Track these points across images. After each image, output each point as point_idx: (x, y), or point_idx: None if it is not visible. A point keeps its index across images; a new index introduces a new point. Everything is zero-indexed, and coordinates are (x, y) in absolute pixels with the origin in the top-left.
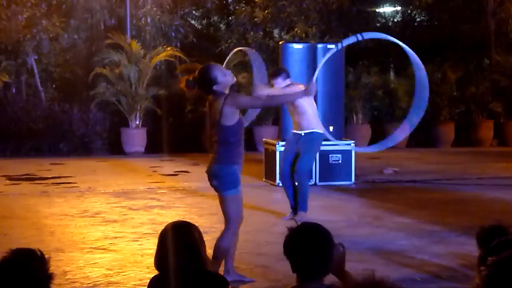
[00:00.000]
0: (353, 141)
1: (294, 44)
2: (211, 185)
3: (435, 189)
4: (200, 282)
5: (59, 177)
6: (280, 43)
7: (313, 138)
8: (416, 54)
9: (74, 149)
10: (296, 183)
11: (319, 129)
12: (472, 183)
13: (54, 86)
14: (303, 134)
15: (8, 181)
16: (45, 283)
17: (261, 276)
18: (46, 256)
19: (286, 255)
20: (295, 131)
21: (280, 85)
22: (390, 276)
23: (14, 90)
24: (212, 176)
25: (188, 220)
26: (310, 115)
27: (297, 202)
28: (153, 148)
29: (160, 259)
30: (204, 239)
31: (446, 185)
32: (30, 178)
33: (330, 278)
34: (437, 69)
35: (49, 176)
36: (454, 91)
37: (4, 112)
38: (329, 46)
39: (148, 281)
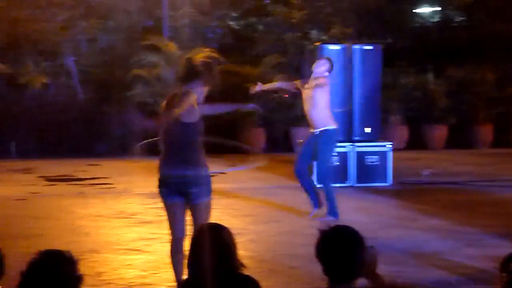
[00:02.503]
0: (390, 142)
1: (330, 45)
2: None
3: (471, 190)
4: (232, 284)
5: (96, 178)
6: (315, 44)
7: (328, 137)
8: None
9: (111, 150)
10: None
11: (332, 124)
12: (509, 185)
13: (92, 87)
14: (318, 132)
15: (45, 182)
16: (74, 284)
17: (295, 278)
18: (75, 257)
19: (317, 257)
20: (312, 131)
21: (318, 74)
22: (424, 279)
23: (52, 91)
24: (191, 184)
25: (221, 222)
26: (321, 108)
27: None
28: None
29: (192, 262)
30: (238, 240)
31: (483, 186)
32: (66, 179)
33: (361, 281)
34: (476, 70)
35: (86, 177)
36: (493, 92)
37: (43, 113)
38: (365, 47)
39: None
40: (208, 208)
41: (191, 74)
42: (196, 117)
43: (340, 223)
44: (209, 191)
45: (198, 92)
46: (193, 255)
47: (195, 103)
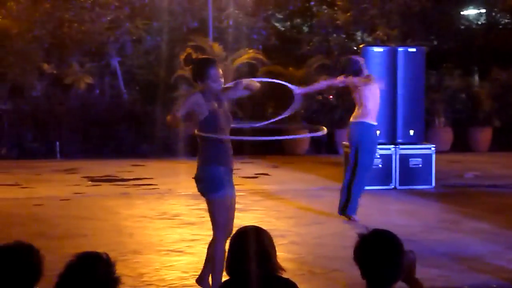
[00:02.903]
0: (434, 145)
1: (375, 47)
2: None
3: None
4: (271, 287)
5: (140, 179)
6: (361, 46)
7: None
8: (500, 56)
9: (156, 151)
10: None
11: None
12: None
13: (136, 88)
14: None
15: (89, 182)
16: (111, 286)
17: (334, 280)
18: (113, 259)
19: (355, 261)
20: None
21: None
22: (465, 283)
23: (97, 91)
24: (197, 180)
25: (264, 223)
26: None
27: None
28: (234, 150)
29: (231, 264)
30: (280, 242)
31: None
32: (111, 180)
33: (400, 285)
34: None
35: (130, 178)
36: None
37: (88, 114)
38: (410, 49)
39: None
40: (212, 205)
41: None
42: (203, 115)
43: (383, 226)
44: (212, 188)
45: (208, 88)
46: (232, 257)
47: (197, 102)
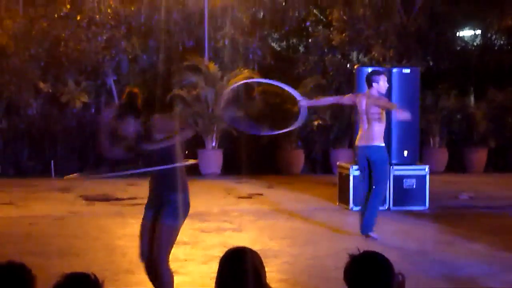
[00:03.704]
0: (428, 166)
1: (369, 68)
2: None
3: (511, 215)
4: None
5: (135, 198)
6: (355, 66)
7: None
8: (496, 77)
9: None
10: None
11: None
12: None
13: None
14: None
15: (84, 201)
16: None
17: None
18: (101, 280)
19: (345, 281)
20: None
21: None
22: None
23: (93, 110)
24: None
25: (258, 244)
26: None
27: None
28: (230, 169)
29: (220, 285)
30: (273, 263)
31: None
32: (105, 199)
33: None
34: None
35: (124, 197)
36: None
37: (83, 132)
38: (404, 70)
39: None
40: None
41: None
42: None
43: (377, 247)
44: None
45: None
46: (221, 278)
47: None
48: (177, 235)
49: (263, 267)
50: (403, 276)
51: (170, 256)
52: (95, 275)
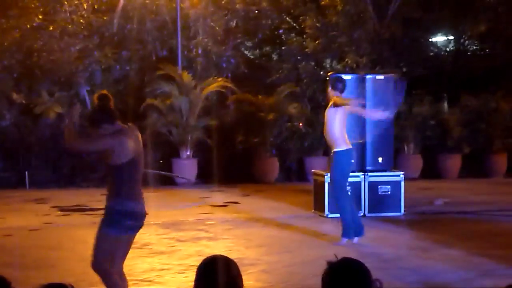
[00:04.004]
0: (402, 172)
1: (343, 74)
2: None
3: (485, 220)
4: None
5: None
6: (329, 73)
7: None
8: (469, 83)
9: None
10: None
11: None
12: None
13: None
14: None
15: (59, 212)
16: None
17: None
18: None
19: None
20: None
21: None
22: None
23: (67, 121)
24: None
25: (234, 252)
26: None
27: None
28: (204, 178)
29: None
30: (250, 271)
31: (497, 216)
32: (80, 209)
33: None
34: (491, 99)
35: (100, 207)
36: (508, 121)
37: (57, 143)
38: (377, 77)
39: None
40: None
41: None
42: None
43: (352, 254)
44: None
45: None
46: (198, 287)
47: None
48: (113, 244)
49: (240, 276)
50: (381, 283)
51: (147, 265)
52: (72, 286)
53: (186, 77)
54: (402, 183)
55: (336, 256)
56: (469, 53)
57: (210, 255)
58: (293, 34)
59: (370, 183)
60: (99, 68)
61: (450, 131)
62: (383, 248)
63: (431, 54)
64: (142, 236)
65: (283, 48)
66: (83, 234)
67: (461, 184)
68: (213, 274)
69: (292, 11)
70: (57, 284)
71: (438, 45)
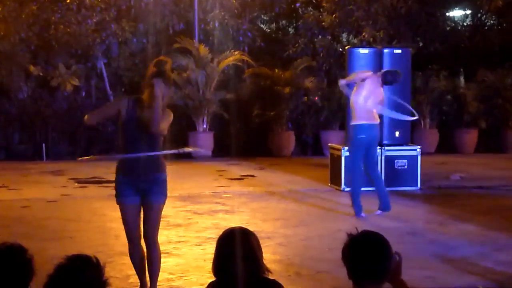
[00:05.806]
0: (419, 146)
1: (360, 48)
2: None
3: (502, 195)
4: None
5: None
6: (346, 47)
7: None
8: (486, 58)
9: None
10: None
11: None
12: None
13: (122, 89)
14: None
15: (76, 184)
16: None
17: (320, 282)
18: (103, 262)
19: (343, 261)
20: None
21: None
22: (452, 284)
23: (83, 93)
24: None
25: (251, 225)
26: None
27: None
28: (220, 152)
29: (218, 265)
30: (267, 244)
31: None
32: (98, 181)
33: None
34: (507, 74)
35: None
36: None
37: (74, 116)
38: (395, 51)
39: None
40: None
41: None
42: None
43: (369, 227)
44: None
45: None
46: (219, 258)
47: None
48: None
49: (260, 248)
50: (400, 256)
51: (164, 237)
52: (97, 258)
53: (203, 50)
54: (419, 158)
55: (357, 229)
56: (486, 28)
57: (230, 227)
58: (310, 8)
59: (387, 157)
60: (116, 41)
61: (467, 106)
62: (400, 222)
63: (448, 28)
64: None
65: (299, 22)
66: (100, 206)
67: (477, 159)
68: (233, 245)
69: None
70: (82, 255)
71: (455, 19)
